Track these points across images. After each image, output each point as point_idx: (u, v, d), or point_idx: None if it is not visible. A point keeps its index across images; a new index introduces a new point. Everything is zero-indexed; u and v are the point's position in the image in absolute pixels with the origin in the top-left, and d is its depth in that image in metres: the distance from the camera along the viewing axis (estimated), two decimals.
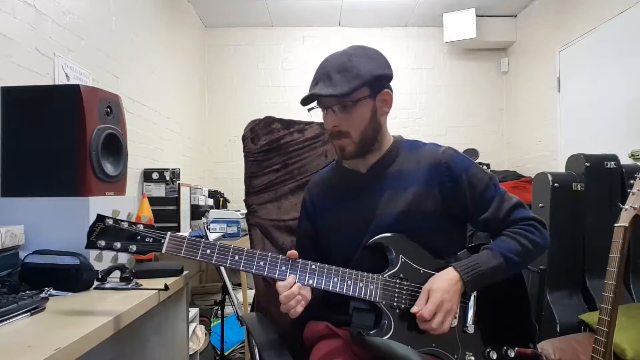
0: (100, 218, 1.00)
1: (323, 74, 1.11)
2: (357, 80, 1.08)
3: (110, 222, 1.00)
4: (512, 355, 1.10)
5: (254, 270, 1.03)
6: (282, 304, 1.01)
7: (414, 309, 1.03)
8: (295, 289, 1.02)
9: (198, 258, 1.01)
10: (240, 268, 1.03)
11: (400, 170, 1.17)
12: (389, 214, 1.14)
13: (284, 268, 1.04)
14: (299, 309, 1.02)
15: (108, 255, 1.01)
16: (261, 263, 1.03)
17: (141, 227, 1.01)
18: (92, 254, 1.33)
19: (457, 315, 1.07)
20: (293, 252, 1.06)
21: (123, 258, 1.45)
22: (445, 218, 1.15)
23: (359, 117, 1.13)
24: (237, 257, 1.03)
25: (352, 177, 1.22)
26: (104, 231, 0.99)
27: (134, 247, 0.99)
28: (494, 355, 1.08)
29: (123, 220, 1.01)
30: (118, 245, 0.99)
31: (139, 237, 1.00)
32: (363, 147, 1.16)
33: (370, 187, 1.18)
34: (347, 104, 1.10)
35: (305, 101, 1.13)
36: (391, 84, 1.17)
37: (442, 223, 1.15)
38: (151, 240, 1.00)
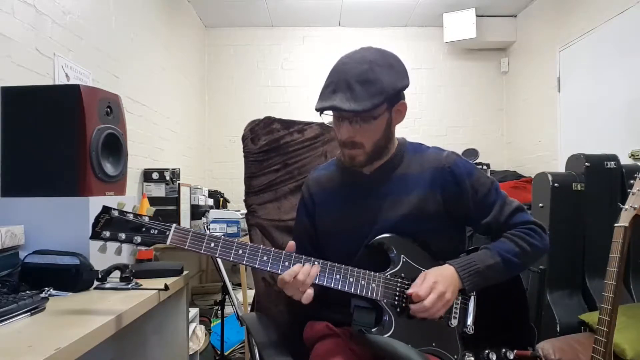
0: (106, 209, 0.99)
1: (342, 82, 1.06)
2: (381, 96, 1.05)
3: (116, 213, 0.99)
4: (512, 357, 1.10)
5: (257, 265, 1.03)
6: (299, 284, 1.00)
7: (409, 291, 1.04)
8: (306, 268, 1.01)
9: (202, 251, 1.01)
10: (244, 262, 1.03)
11: (405, 174, 1.18)
12: (392, 217, 1.14)
13: (287, 263, 1.04)
14: (310, 291, 1.01)
15: (111, 248, 1.00)
16: (264, 258, 1.03)
17: (146, 219, 1.00)
18: (93, 253, 1.33)
19: (457, 315, 1.08)
20: (292, 244, 1.06)
21: (125, 257, 1.45)
22: (446, 220, 1.16)
23: (375, 130, 1.11)
24: (240, 252, 1.03)
25: (356, 177, 1.21)
26: (109, 222, 0.98)
27: (138, 239, 0.98)
28: (493, 357, 1.09)
29: (128, 212, 1.00)
30: (123, 236, 0.98)
31: (144, 229, 0.99)
32: (374, 156, 1.16)
33: (374, 189, 1.18)
34: (366, 118, 1.08)
35: (323, 110, 1.10)
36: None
37: (443, 225, 1.16)
38: (156, 232, 0.99)
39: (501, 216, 1.14)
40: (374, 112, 1.07)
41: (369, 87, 1.04)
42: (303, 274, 1.00)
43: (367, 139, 1.11)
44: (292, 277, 1.00)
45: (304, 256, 1.05)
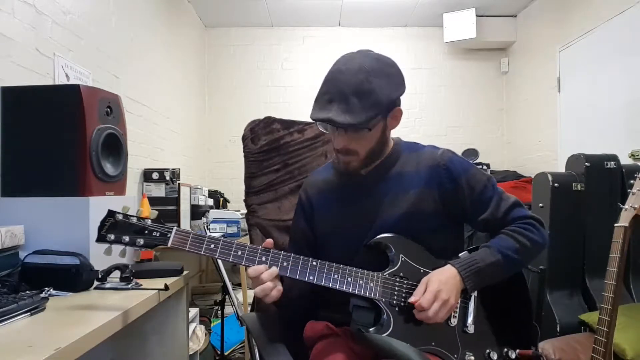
0: (111, 213, 1.03)
1: (338, 93, 1.04)
2: (377, 108, 1.05)
3: (120, 217, 1.03)
4: (513, 356, 1.10)
5: (256, 265, 1.04)
6: (260, 285, 1.02)
7: (412, 299, 1.03)
8: (260, 267, 1.03)
9: (202, 252, 1.03)
10: (243, 263, 1.04)
11: (401, 173, 1.18)
12: (391, 216, 1.14)
13: (285, 264, 1.05)
14: (275, 293, 1.04)
15: (116, 250, 1.03)
16: (263, 258, 1.05)
17: (149, 222, 1.04)
18: (93, 253, 1.33)
19: (457, 314, 1.08)
20: (269, 241, 1.07)
21: (128, 258, 1.45)
22: (444, 218, 1.16)
23: (370, 139, 1.12)
24: (240, 252, 1.04)
25: (353, 178, 1.21)
26: (113, 226, 1.02)
27: (141, 241, 1.02)
28: (495, 356, 1.08)
29: (132, 216, 1.04)
30: (127, 239, 1.02)
31: (146, 232, 1.03)
32: (368, 162, 1.16)
33: (371, 189, 1.18)
34: (361, 129, 1.08)
35: (319, 121, 1.09)
36: None
37: (441, 223, 1.15)
38: (158, 234, 1.03)
39: (498, 212, 1.14)
40: (369, 124, 1.07)
41: (365, 99, 1.03)
42: (254, 271, 1.02)
43: (361, 147, 1.12)
44: (257, 273, 1.02)
45: (302, 257, 1.06)
